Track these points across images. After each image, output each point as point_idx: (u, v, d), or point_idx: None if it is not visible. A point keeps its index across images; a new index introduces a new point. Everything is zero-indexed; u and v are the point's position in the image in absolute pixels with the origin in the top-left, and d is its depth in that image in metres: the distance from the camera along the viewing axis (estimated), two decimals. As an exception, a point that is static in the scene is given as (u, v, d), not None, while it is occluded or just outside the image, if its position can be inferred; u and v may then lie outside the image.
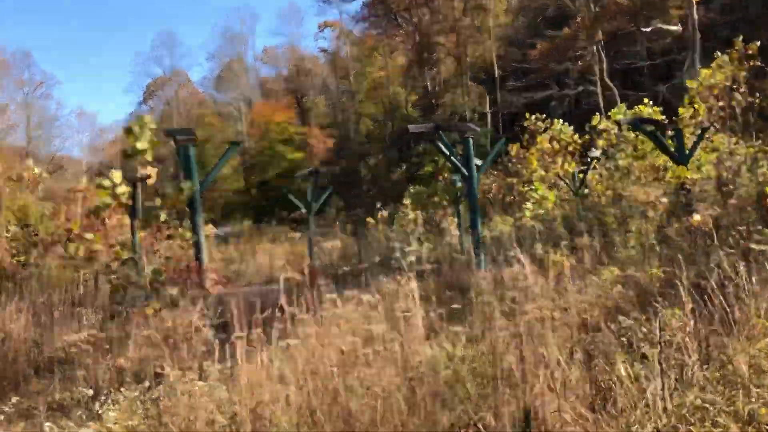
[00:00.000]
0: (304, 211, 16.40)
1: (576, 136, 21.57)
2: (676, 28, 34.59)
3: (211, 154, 55.10)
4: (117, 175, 8.21)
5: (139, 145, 8.37)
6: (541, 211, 19.45)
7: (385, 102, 61.15)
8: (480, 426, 3.35)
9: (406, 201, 19.86)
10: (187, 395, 4.25)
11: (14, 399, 5.89)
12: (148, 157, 8.40)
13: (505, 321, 4.03)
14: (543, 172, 20.79)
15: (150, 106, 70.91)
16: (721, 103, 17.21)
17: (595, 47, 37.23)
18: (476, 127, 11.16)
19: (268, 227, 36.22)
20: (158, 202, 8.21)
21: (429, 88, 45.20)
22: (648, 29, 34.66)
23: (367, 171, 47.94)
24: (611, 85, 36.85)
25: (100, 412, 4.64)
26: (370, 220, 21.06)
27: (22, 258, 15.89)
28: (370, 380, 3.76)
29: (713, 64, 17.85)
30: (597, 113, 21.95)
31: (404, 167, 46.50)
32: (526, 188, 21.03)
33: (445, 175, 13.53)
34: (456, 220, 16.83)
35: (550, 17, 40.82)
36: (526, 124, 23.55)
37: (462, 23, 43.65)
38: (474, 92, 43.72)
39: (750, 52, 16.91)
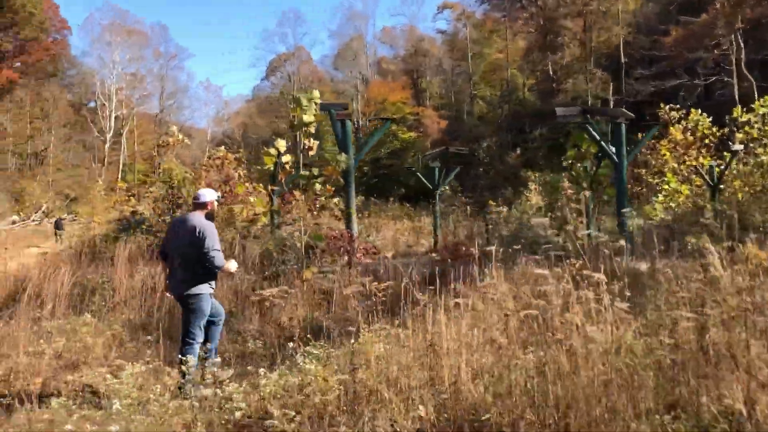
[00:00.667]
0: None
1: (714, 128, 20.60)
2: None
3: (325, 131, 56.72)
4: (281, 144, 8.75)
5: (306, 118, 8.88)
6: (672, 204, 18.86)
7: (502, 85, 60.42)
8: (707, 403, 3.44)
9: (532, 186, 19.74)
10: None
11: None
12: (312, 129, 8.91)
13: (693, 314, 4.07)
14: (675, 165, 20.05)
15: (272, 81, 73.49)
16: None
17: (733, 35, 35.18)
18: (629, 113, 10.90)
19: (382, 204, 36.84)
20: (315, 172, 8.70)
21: (550, 72, 44.21)
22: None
23: (485, 153, 47.57)
24: (749, 76, 34.78)
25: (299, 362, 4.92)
26: (491, 202, 21.05)
27: (167, 218, 17.19)
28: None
29: None
30: (736, 105, 20.89)
31: (518, 151, 45.90)
32: (656, 180, 20.41)
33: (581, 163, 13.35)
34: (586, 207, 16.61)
35: (684, 3, 38.87)
36: (659, 113, 22.69)
37: (589, 7, 42.32)
38: (597, 79, 42.38)
39: None
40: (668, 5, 40.64)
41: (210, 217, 6.02)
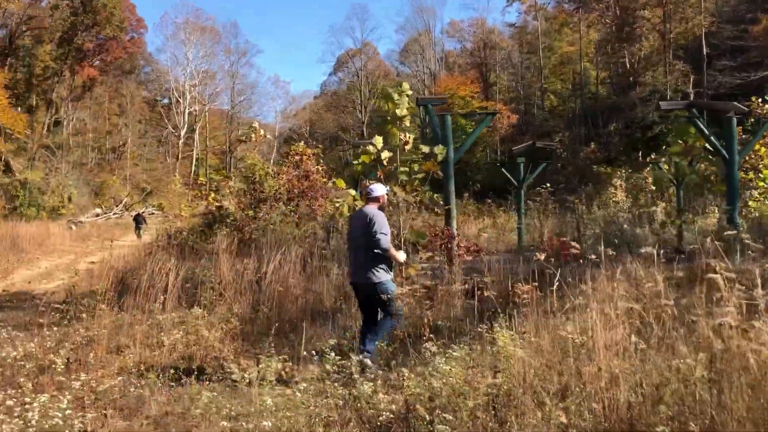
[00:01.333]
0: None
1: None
2: None
3: (389, 125, 56.66)
4: (379, 141, 8.65)
5: (399, 112, 8.77)
6: (768, 202, 17.97)
7: (573, 78, 59.07)
8: None
9: (617, 182, 19.15)
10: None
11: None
12: (406, 122, 8.79)
13: None
14: (770, 160, 19.06)
15: (339, 77, 73.99)
16: None
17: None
18: (742, 106, 10.38)
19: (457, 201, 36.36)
20: (415, 167, 8.58)
21: (627, 64, 42.88)
22: None
23: (562, 149, 46.63)
24: None
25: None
26: (575, 198, 20.53)
27: (250, 212, 17.44)
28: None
29: None
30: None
31: (592, 146, 44.78)
32: (750, 175, 19.46)
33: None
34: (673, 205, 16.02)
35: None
36: (750, 106, 21.67)
37: (670, -3, 40.86)
38: (678, 71, 40.85)
39: None
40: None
41: (381, 209, 6.62)
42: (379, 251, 6.13)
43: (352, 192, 9.08)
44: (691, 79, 41.52)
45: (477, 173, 49.31)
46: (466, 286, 7.91)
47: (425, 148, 8.76)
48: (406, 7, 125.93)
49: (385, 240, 6.14)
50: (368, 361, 5.62)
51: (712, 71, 38.62)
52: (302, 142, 20.93)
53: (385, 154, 8.58)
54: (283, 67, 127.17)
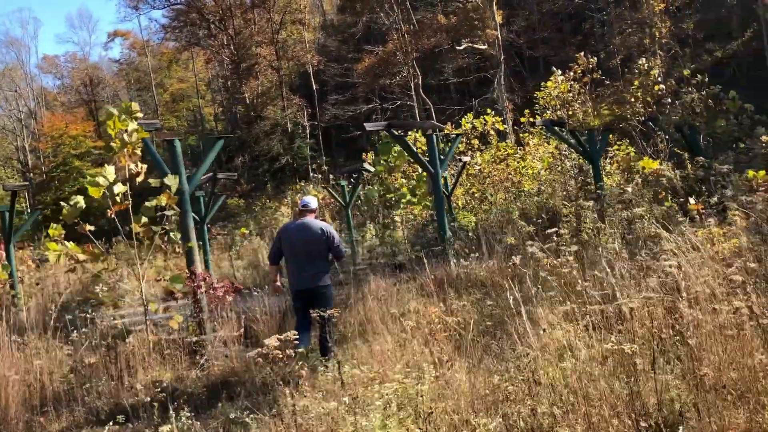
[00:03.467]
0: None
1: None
2: (484, 47, 37.79)
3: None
4: (111, 171, 7.05)
5: (127, 138, 7.28)
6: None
7: (195, 116, 58.84)
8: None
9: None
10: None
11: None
12: (138, 150, 7.36)
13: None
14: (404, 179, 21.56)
15: None
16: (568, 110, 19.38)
17: (410, 63, 39.38)
18: (439, 124, 11.35)
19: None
20: (163, 200, 7.13)
21: (247, 100, 44.38)
22: (461, 47, 37.42)
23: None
24: (426, 99, 39.15)
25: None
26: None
27: None
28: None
29: (553, 78, 20.01)
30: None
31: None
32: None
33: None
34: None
35: (366, 34, 42.36)
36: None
37: (280, 36, 43.62)
38: (295, 104, 43.86)
39: (591, 66, 19.27)
40: (353, 36, 43.88)
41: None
42: (342, 259, 7.28)
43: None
44: (307, 112, 44.99)
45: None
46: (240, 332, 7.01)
47: (155, 182, 7.49)
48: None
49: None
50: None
51: (326, 105, 42.39)
52: None
53: (120, 188, 7.10)
54: None
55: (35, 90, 61.86)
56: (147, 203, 7.12)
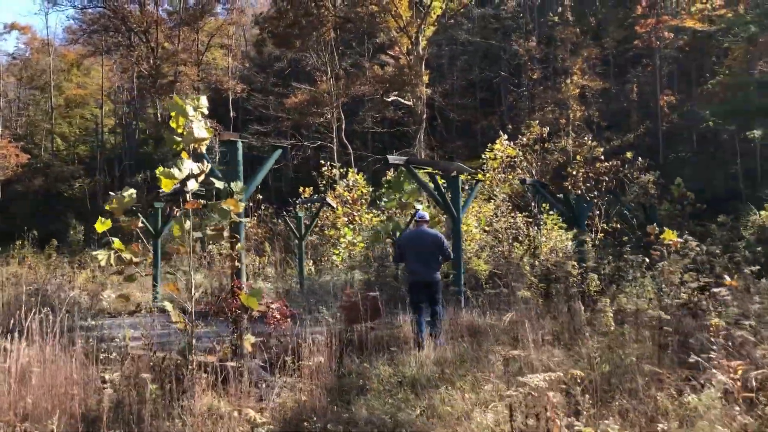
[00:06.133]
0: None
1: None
2: (409, 102, 38.82)
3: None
4: (185, 165, 6.37)
5: (198, 133, 6.65)
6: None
7: (96, 123, 55.68)
8: None
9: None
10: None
11: None
12: (203, 148, 6.70)
13: None
14: (344, 218, 21.43)
15: None
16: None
17: (337, 106, 39.66)
18: (467, 167, 11.33)
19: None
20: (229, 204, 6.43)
21: (159, 116, 42.71)
22: (389, 99, 38.21)
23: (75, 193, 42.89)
24: (347, 143, 39.39)
25: None
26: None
27: None
28: None
29: (498, 141, 20.82)
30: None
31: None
32: (331, 232, 21.41)
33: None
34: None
35: (299, 71, 42.21)
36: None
37: (204, 58, 42.62)
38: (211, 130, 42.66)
39: (543, 135, 20.27)
40: (279, 70, 43.62)
41: None
42: (449, 260, 9.24)
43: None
44: (216, 139, 43.79)
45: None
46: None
47: (219, 183, 6.92)
48: None
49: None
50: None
51: (247, 134, 41.52)
52: None
53: (193, 185, 6.46)
54: None
55: None
56: (222, 205, 6.54)
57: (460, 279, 9.89)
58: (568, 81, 37.10)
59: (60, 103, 60.43)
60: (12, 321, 5.95)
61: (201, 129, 6.73)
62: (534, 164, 20.04)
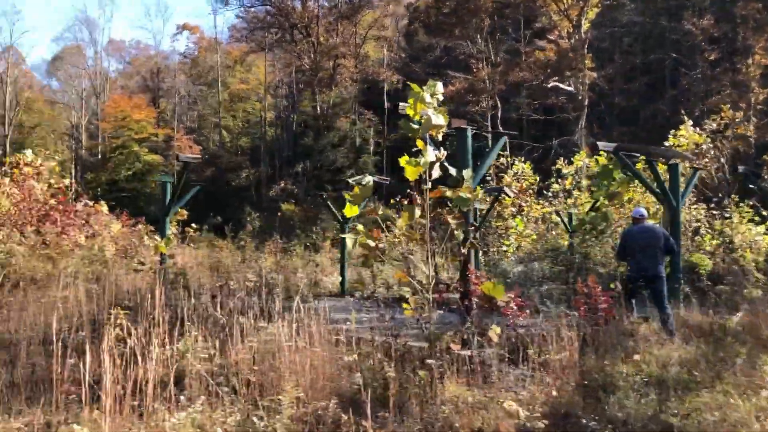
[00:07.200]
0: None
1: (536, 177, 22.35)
2: (570, 88, 37.40)
3: (35, 144, 48.79)
4: (430, 152, 6.42)
5: (435, 120, 6.68)
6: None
7: (260, 116, 58.84)
8: None
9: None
10: None
11: None
12: (440, 136, 6.71)
13: None
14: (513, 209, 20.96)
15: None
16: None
17: (494, 94, 39.05)
18: (687, 155, 10.72)
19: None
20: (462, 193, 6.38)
21: (319, 109, 44.15)
22: (549, 86, 37.06)
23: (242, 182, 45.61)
24: (503, 131, 38.66)
25: None
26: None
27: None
28: None
29: (683, 127, 19.35)
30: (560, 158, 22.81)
31: (282, 184, 44.68)
32: (498, 222, 21.04)
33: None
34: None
35: (453, 60, 42.02)
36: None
37: (361, 50, 43.59)
38: (367, 120, 43.65)
39: (735, 119, 18.64)
40: (434, 59, 43.63)
41: None
42: (674, 253, 9.31)
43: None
44: (372, 129, 44.74)
45: (150, 202, 45.25)
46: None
47: (452, 170, 6.88)
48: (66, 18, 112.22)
49: None
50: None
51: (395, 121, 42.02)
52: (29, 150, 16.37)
53: (437, 172, 6.46)
54: None
55: (99, 70, 62.24)
56: (461, 194, 6.48)
57: (678, 274, 9.23)
58: (749, 61, 34.06)
59: (225, 98, 64.43)
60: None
61: (438, 116, 6.66)
62: (724, 152, 18.47)
